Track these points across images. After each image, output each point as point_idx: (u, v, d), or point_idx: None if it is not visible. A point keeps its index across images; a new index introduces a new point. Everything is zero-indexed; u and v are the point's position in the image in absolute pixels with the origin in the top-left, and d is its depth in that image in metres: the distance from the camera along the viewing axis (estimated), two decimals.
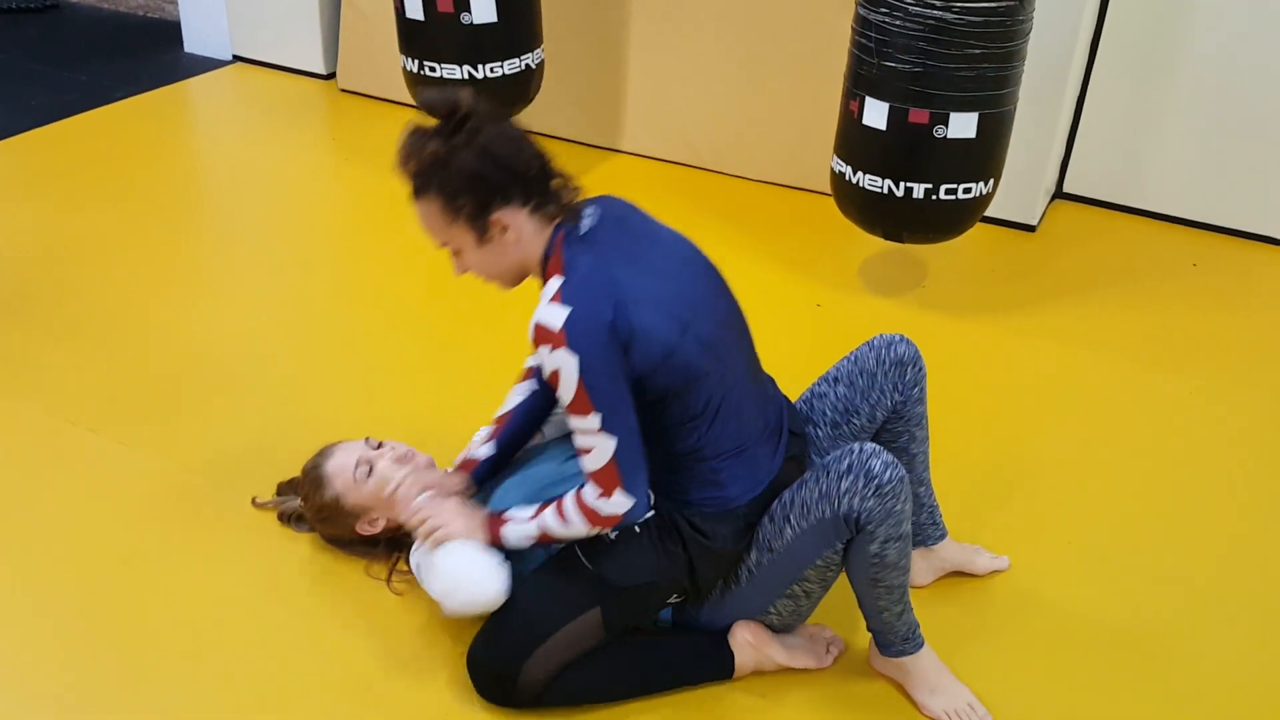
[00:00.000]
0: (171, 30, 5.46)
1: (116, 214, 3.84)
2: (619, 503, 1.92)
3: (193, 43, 5.30)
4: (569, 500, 1.96)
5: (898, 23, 2.84)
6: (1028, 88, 3.20)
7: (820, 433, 2.22)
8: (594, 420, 1.86)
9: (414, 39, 3.64)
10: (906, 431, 2.24)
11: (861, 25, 2.96)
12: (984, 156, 3.01)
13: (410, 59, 3.69)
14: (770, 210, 4.03)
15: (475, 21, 3.52)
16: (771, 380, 2.20)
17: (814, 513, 1.94)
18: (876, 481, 1.88)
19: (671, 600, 2.10)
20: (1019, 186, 3.80)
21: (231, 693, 2.08)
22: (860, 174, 3.07)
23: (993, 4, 2.78)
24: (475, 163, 1.88)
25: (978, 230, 3.78)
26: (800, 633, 2.17)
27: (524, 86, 3.80)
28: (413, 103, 4.30)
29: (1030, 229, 3.92)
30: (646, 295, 1.89)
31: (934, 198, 3.01)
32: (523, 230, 1.93)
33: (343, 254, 3.70)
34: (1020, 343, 3.24)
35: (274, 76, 5.08)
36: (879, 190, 3.04)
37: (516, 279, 2.02)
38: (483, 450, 2.27)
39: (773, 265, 3.62)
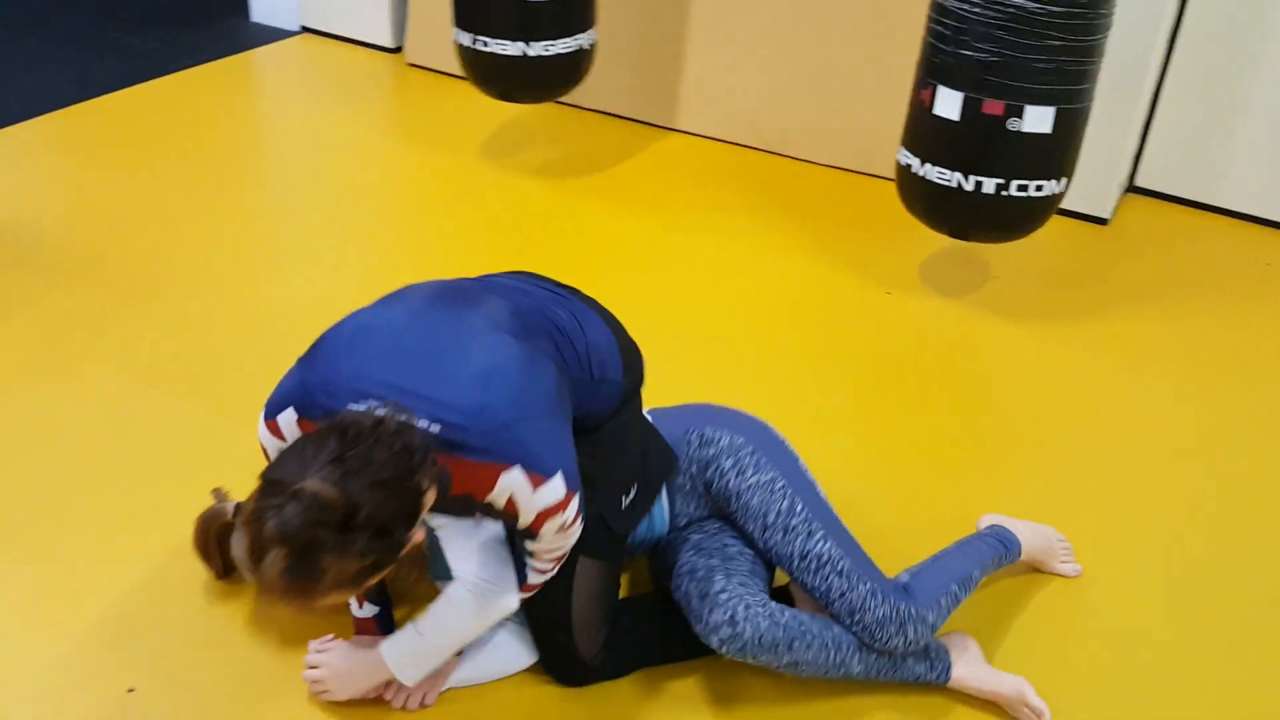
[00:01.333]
0: (239, 1, 5.48)
1: (184, 182, 3.86)
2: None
3: (260, 12, 5.30)
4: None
5: (976, 9, 2.77)
6: (1106, 79, 3.12)
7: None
8: (577, 528, 1.84)
9: (469, 13, 3.62)
10: None
11: (938, 12, 2.88)
12: (1059, 153, 2.93)
13: (464, 32, 3.66)
14: (831, 197, 3.96)
15: None
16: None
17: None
18: (720, 648, 1.93)
19: (628, 500, 2.02)
20: (1093, 178, 3.72)
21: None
22: (928, 166, 3.00)
23: None
24: (384, 550, 1.57)
25: (1048, 221, 3.71)
26: None
27: (575, 67, 3.77)
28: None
29: (1102, 222, 3.84)
30: (543, 377, 1.78)
31: (1004, 193, 2.93)
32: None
33: (405, 229, 3.69)
34: (1085, 351, 3.15)
35: (340, 48, 5.07)
36: (947, 183, 2.97)
37: None
38: (366, 610, 2.07)
39: (833, 256, 3.56)
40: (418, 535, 1.64)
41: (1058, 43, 2.75)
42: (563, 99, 4.33)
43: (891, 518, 2.47)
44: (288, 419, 1.75)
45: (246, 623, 2.19)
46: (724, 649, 1.93)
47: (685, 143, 4.34)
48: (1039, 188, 2.95)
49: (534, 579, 1.93)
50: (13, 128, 4.22)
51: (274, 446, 1.77)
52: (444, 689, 2.05)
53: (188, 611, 2.21)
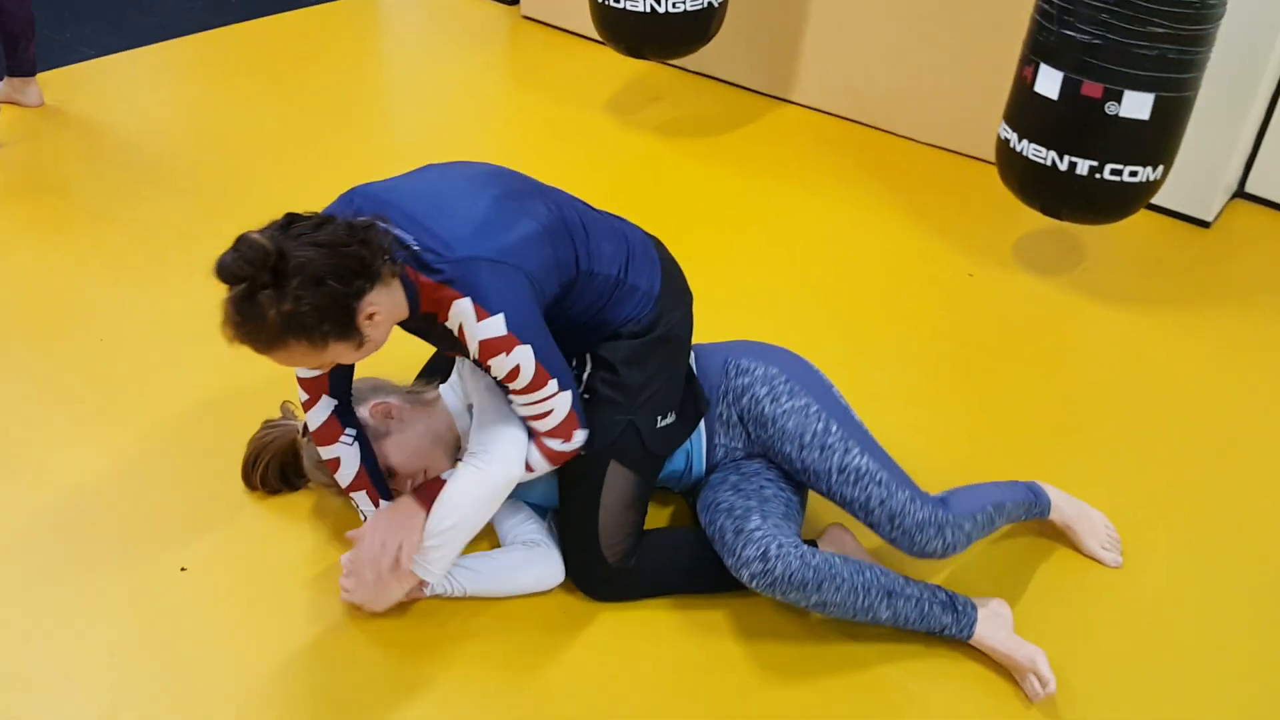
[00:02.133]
0: None
1: (300, 114, 4.02)
2: (578, 439, 2.04)
3: None
4: (516, 464, 2.01)
5: None
6: (1218, 75, 3.09)
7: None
8: (551, 386, 1.97)
9: None
10: None
11: None
12: (1156, 140, 2.91)
13: None
14: (933, 175, 3.97)
15: None
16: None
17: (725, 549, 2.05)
18: (751, 582, 2.00)
19: (664, 422, 2.12)
20: (1196, 178, 3.66)
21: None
22: (1025, 142, 3.00)
23: None
24: (318, 297, 1.79)
25: (1146, 219, 3.66)
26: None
27: (704, 25, 3.82)
28: (595, 37, 4.37)
29: (1204, 224, 3.78)
30: (520, 238, 1.94)
31: (1098, 176, 2.92)
32: (383, 305, 1.88)
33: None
34: (1176, 341, 3.13)
35: None
36: (1042, 161, 2.97)
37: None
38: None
39: (927, 231, 3.57)
40: (372, 315, 1.85)
41: (1161, 29, 2.73)
42: (683, 64, 4.39)
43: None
44: None
45: (306, 512, 2.31)
46: (754, 583, 1.99)
47: (798, 114, 4.38)
48: (1133, 173, 2.93)
49: (548, 443, 2.02)
50: (148, 48, 4.41)
51: None
52: (472, 596, 2.13)
53: (244, 501, 2.33)
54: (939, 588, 2.10)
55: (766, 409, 2.16)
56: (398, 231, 1.89)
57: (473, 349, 1.92)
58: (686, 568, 2.17)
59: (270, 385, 2.63)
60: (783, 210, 3.67)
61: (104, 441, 2.49)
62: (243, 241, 1.77)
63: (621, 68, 4.49)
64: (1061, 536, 2.37)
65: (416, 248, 1.89)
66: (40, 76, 3.94)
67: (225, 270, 1.76)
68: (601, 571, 2.12)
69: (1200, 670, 2.13)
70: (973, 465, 2.58)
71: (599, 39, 4.08)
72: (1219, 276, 3.48)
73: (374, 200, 1.97)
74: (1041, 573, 2.31)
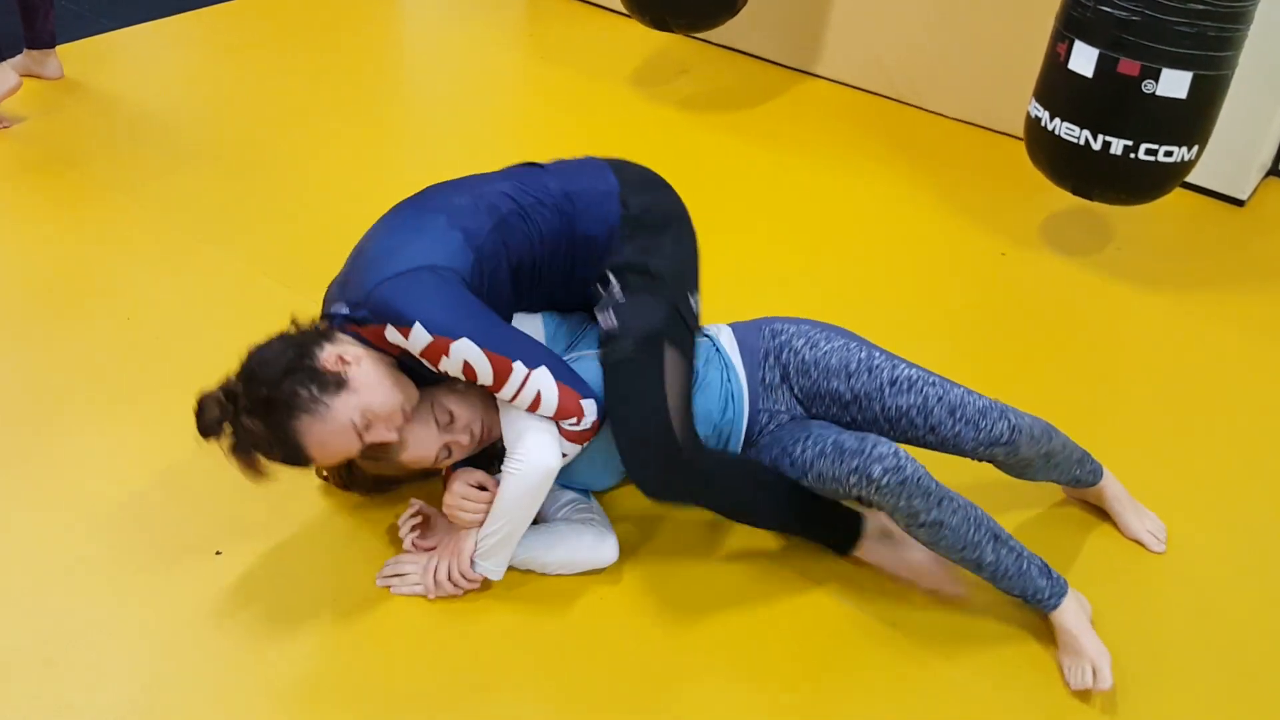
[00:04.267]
0: None
1: (316, 83, 3.99)
2: (589, 409, 2.01)
3: None
4: (544, 459, 2.00)
5: None
6: (1254, 52, 3.02)
7: (892, 432, 2.14)
8: (518, 369, 1.95)
9: None
10: (1010, 469, 2.23)
11: None
12: (1193, 120, 2.85)
13: None
14: (960, 151, 3.92)
15: None
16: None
17: (829, 484, 2.01)
18: (875, 484, 1.93)
19: (694, 300, 2.17)
20: (1231, 157, 3.60)
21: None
22: (1058, 121, 2.95)
23: None
24: (281, 377, 1.89)
25: (1179, 197, 3.60)
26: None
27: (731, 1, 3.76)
28: (612, 7, 4.32)
29: (1239, 203, 3.72)
30: (422, 244, 1.99)
31: (1132, 156, 2.87)
32: (347, 349, 1.96)
33: (527, 142, 3.74)
34: (1207, 324, 3.08)
35: None
36: (1075, 140, 2.92)
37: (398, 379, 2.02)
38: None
39: (955, 209, 3.53)
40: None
41: (1201, 6, 2.67)
42: (706, 37, 4.34)
43: (985, 476, 2.44)
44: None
45: (336, 495, 2.29)
46: (885, 479, 1.92)
47: (824, 88, 4.33)
48: (1168, 153, 2.89)
49: (567, 426, 2.02)
50: (167, 20, 4.38)
51: None
52: (525, 566, 2.13)
53: (274, 484, 2.30)
54: (1034, 554, 2.07)
55: (807, 355, 2.18)
56: (336, 308, 2.00)
57: (429, 363, 1.95)
58: (748, 489, 2.14)
59: None
60: (809, 186, 3.62)
61: (137, 421, 2.47)
62: (199, 402, 1.92)
63: (643, 40, 4.44)
64: (1103, 515, 2.34)
65: (346, 310, 1.97)
66: (60, 49, 3.90)
67: (205, 428, 1.90)
68: (676, 460, 2.03)
69: (1245, 658, 2.10)
70: None
71: (623, 11, 4.03)
72: (1253, 258, 3.43)
73: (330, 290, 2.09)
74: (1088, 562, 2.28)
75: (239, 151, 3.52)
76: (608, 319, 2.06)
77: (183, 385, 2.53)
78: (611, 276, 2.10)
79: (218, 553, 2.17)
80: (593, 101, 4.06)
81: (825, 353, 2.17)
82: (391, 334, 1.91)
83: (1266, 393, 2.84)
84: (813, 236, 3.35)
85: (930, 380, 2.11)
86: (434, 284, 1.93)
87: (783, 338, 2.22)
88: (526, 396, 1.97)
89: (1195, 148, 2.93)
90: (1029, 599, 2.04)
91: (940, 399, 2.07)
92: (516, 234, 2.06)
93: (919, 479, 1.94)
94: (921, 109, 4.19)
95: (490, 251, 2.02)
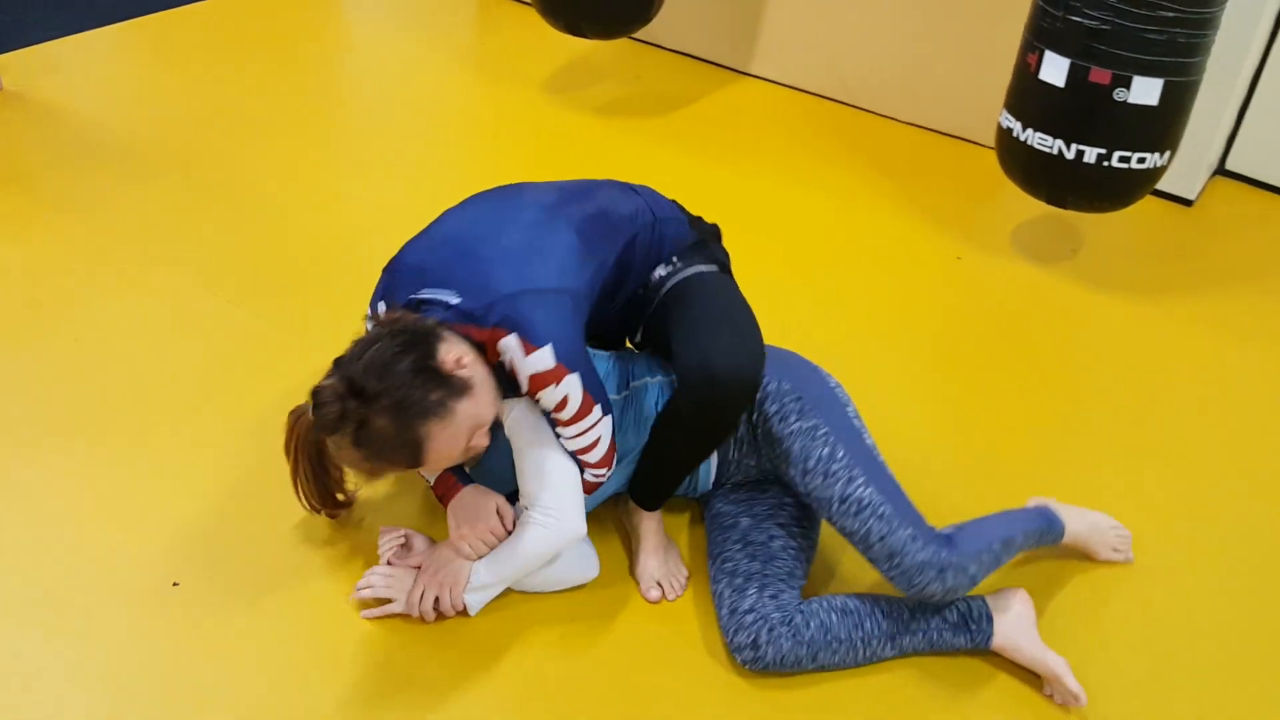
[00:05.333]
0: None
1: (262, 90, 3.92)
2: (611, 467, 2.06)
3: None
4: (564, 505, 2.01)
5: None
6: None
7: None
8: (596, 412, 1.97)
9: None
10: None
11: None
12: (1164, 126, 2.89)
13: None
14: (920, 157, 3.94)
15: None
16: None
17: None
18: (761, 664, 1.98)
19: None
20: (1180, 158, 3.64)
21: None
22: (1030, 131, 2.97)
23: None
24: (403, 377, 1.82)
25: None
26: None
27: (645, 5, 3.75)
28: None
29: (1187, 203, 3.79)
30: (559, 259, 1.98)
31: (1105, 164, 2.90)
32: (460, 349, 1.89)
33: (469, 158, 3.69)
34: (1170, 328, 3.12)
35: None
36: (1048, 150, 2.94)
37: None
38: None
39: (916, 216, 3.54)
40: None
41: (1171, 13, 2.70)
42: (638, 36, 4.30)
43: (949, 484, 2.46)
44: (383, 310, 2.02)
45: (292, 524, 2.23)
46: (747, 667, 2.00)
47: (761, 89, 4.31)
48: (1141, 160, 2.92)
49: (589, 476, 2.04)
50: (109, 28, 4.26)
51: None
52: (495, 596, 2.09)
53: (231, 512, 2.26)
54: (951, 606, 2.07)
55: (775, 428, 2.08)
56: (433, 294, 1.95)
57: (523, 383, 1.92)
58: None
59: (261, 381, 2.55)
60: (762, 192, 3.61)
61: (86, 449, 2.39)
62: (315, 395, 1.84)
63: (594, 46, 4.41)
64: (1074, 552, 2.33)
65: (456, 301, 1.93)
66: None
67: (325, 424, 1.82)
68: (761, 350, 2.07)
69: (1216, 663, 2.12)
70: (963, 455, 2.58)
71: None
72: (1206, 259, 3.49)
73: (409, 271, 2.02)
74: (1052, 571, 2.29)
75: (188, 167, 3.43)
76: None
77: (132, 409, 2.48)
78: (673, 260, 2.20)
79: (175, 584, 2.11)
80: (543, 110, 4.01)
81: (791, 433, 2.06)
82: (511, 344, 1.89)
83: (1223, 394, 2.89)
84: (754, 244, 3.31)
85: (880, 511, 1.98)
86: (571, 314, 1.93)
87: (757, 396, 2.09)
88: (586, 440, 1.99)
89: (1167, 153, 2.96)
90: (955, 655, 2.08)
91: (883, 539, 1.97)
92: (630, 264, 2.09)
93: (781, 658, 1.97)
94: (872, 112, 4.20)
95: (608, 282, 2.05)
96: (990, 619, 2.05)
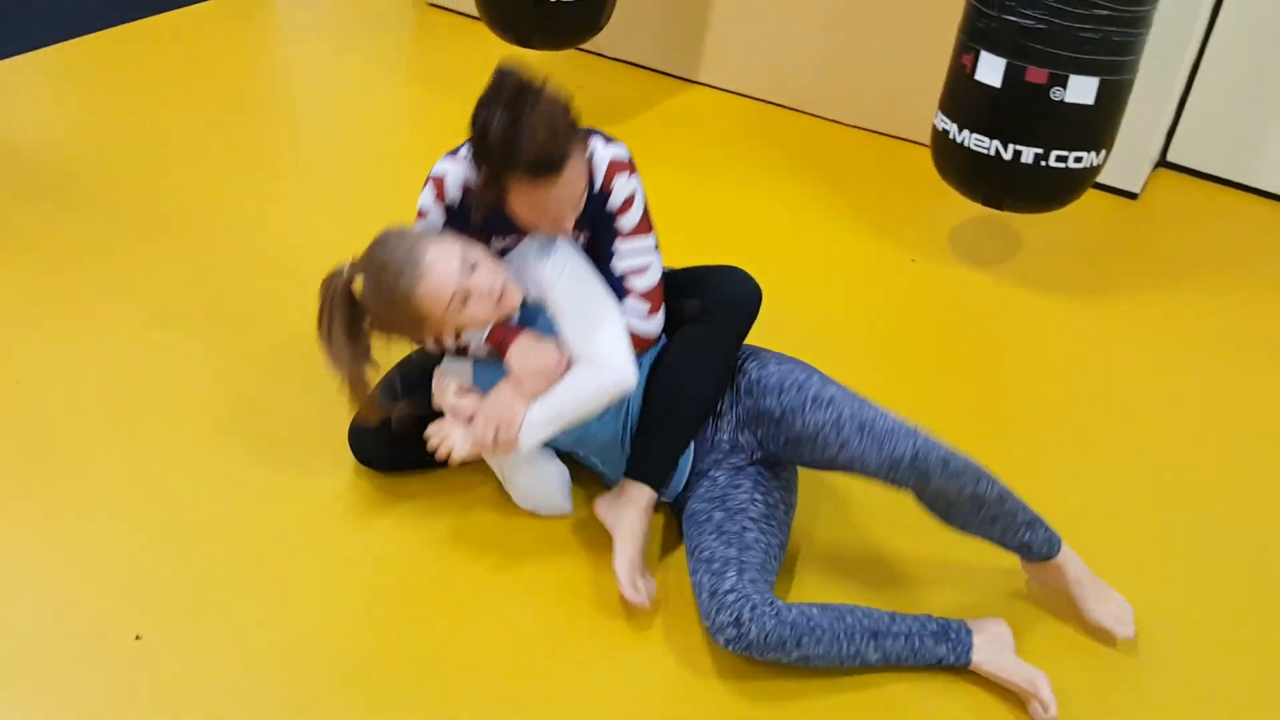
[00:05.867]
0: None
1: (200, 116, 3.81)
2: (656, 322, 2.19)
3: None
4: (613, 339, 2.11)
5: None
6: (1146, 48, 3.06)
7: (813, 456, 2.12)
8: (650, 239, 2.17)
9: None
10: (935, 509, 2.09)
11: None
12: (1100, 125, 2.86)
13: None
14: (858, 159, 3.90)
15: None
16: None
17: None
18: (725, 643, 1.95)
19: None
20: (1124, 152, 3.62)
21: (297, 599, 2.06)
22: (967, 133, 2.94)
23: None
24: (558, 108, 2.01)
25: None
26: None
27: (595, 14, 3.69)
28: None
29: (1132, 196, 3.78)
30: None
31: (1043, 164, 2.87)
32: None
33: (422, 172, 3.60)
34: (1113, 326, 3.10)
35: None
36: (986, 151, 2.91)
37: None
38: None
39: (854, 220, 3.50)
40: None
41: (1106, 11, 2.68)
42: (584, 46, 4.26)
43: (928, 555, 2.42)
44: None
45: (254, 574, 2.16)
46: (730, 648, 1.95)
47: (709, 96, 4.27)
48: (1078, 159, 2.89)
49: (635, 320, 2.16)
50: (35, 53, 4.16)
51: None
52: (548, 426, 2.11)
53: (191, 559, 2.17)
54: (930, 617, 2.03)
55: (753, 373, 2.20)
56: None
57: (600, 173, 2.12)
58: None
59: (210, 411, 2.48)
60: (695, 200, 3.54)
61: (37, 494, 2.30)
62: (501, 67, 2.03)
63: (527, 52, 4.34)
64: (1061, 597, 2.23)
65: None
66: None
67: (510, 77, 2.00)
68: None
69: (1182, 669, 2.09)
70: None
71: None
72: (1150, 253, 3.47)
73: None
74: (1022, 588, 2.26)
75: (122, 195, 3.32)
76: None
77: (79, 455, 2.39)
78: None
79: (137, 637, 2.02)
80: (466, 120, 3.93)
81: (769, 373, 2.18)
82: (596, 138, 2.15)
83: (1173, 388, 2.87)
84: (704, 252, 3.27)
85: (851, 398, 2.08)
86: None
87: (740, 357, 2.25)
88: (640, 261, 2.17)
89: (1103, 151, 2.94)
90: (935, 668, 2.04)
91: (853, 416, 2.03)
92: None
93: (765, 637, 1.91)
94: (818, 116, 4.16)
95: None
96: (970, 633, 2.03)
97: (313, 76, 4.27)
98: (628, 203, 2.13)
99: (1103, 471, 2.58)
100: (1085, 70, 2.75)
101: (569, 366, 2.11)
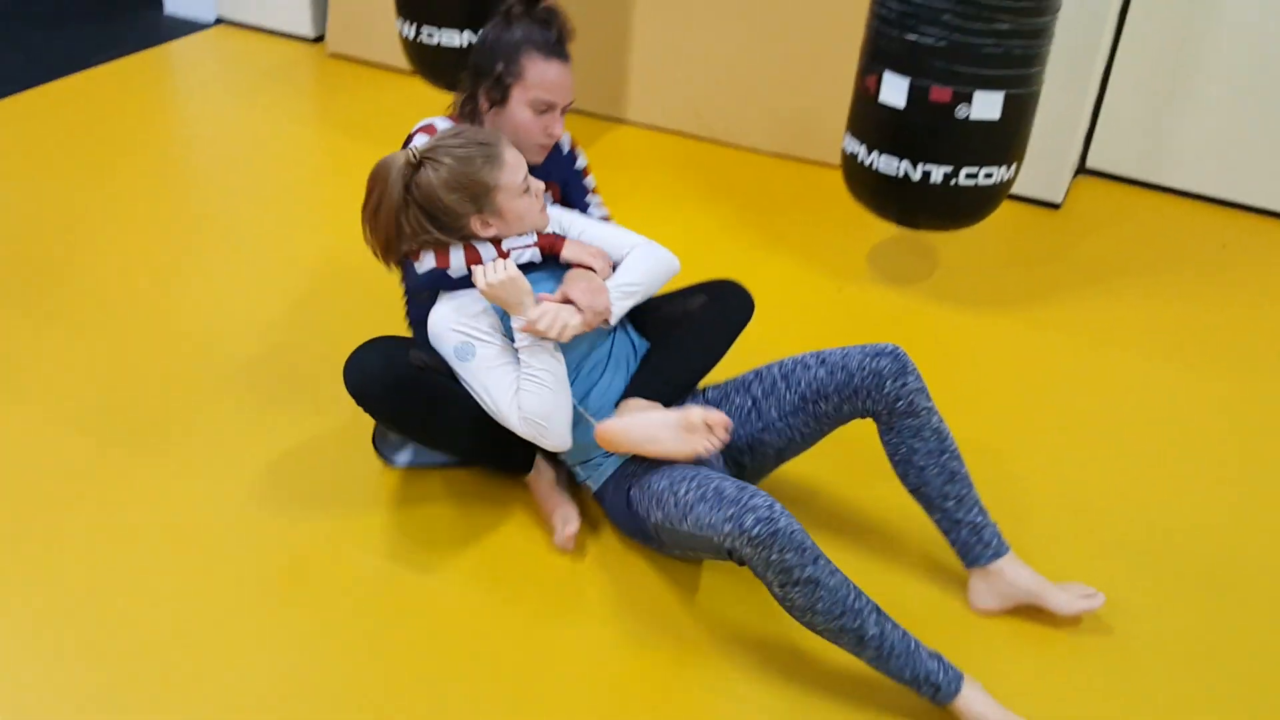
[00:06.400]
0: None
1: (95, 187, 3.64)
2: None
3: (174, 4, 5.07)
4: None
5: None
6: (1056, 59, 3.02)
7: (789, 396, 2.20)
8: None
9: (412, 1, 3.43)
10: (902, 443, 2.13)
11: None
12: (1008, 139, 2.80)
13: (407, 22, 3.48)
14: (780, 186, 3.83)
15: None
16: None
17: (704, 530, 1.92)
18: (746, 535, 1.84)
19: None
20: (1044, 163, 3.61)
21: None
22: (875, 154, 2.87)
23: None
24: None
25: (1000, 208, 3.59)
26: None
27: None
28: (408, 69, 4.10)
29: (1054, 207, 3.73)
30: None
31: (953, 182, 2.81)
32: None
33: (338, 225, 3.49)
34: (1037, 336, 3.04)
35: (259, 39, 4.87)
36: (895, 173, 2.84)
37: None
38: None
39: (779, 247, 3.42)
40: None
41: (1006, 26, 2.62)
42: None
43: (840, 516, 2.37)
44: None
45: (146, 689, 2.03)
46: (758, 529, 1.83)
47: (634, 134, 4.20)
48: (988, 175, 2.83)
49: None
50: None
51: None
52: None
53: (73, 674, 2.03)
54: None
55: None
56: None
57: (567, 136, 2.51)
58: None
59: (127, 517, 2.33)
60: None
61: None
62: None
63: (439, 98, 4.24)
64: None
65: None
66: None
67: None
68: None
69: (1152, 669, 2.02)
70: (850, 486, 2.46)
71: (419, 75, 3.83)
72: (1071, 263, 3.43)
73: None
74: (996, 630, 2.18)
75: (20, 281, 3.13)
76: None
77: (26, 579, 2.20)
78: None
79: None
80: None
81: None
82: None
83: (1104, 393, 2.82)
84: None
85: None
86: None
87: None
88: (608, 211, 2.54)
89: (1014, 165, 2.88)
90: (921, 684, 1.88)
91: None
92: None
93: (792, 532, 1.83)
94: (739, 147, 4.09)
95: None
96: (962, 678, 1.90)
97: (217, 135, 4.13)
98: (588, 168, 2.48)
99: (1046, 479, 2.51)
100: (990, 85, 2.69)
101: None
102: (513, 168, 2.14)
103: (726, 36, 3.96)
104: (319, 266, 3.25)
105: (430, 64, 3.60)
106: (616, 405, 2.22)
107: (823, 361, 2.17)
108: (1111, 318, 3.14)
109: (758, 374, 2.27)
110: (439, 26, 3.46)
